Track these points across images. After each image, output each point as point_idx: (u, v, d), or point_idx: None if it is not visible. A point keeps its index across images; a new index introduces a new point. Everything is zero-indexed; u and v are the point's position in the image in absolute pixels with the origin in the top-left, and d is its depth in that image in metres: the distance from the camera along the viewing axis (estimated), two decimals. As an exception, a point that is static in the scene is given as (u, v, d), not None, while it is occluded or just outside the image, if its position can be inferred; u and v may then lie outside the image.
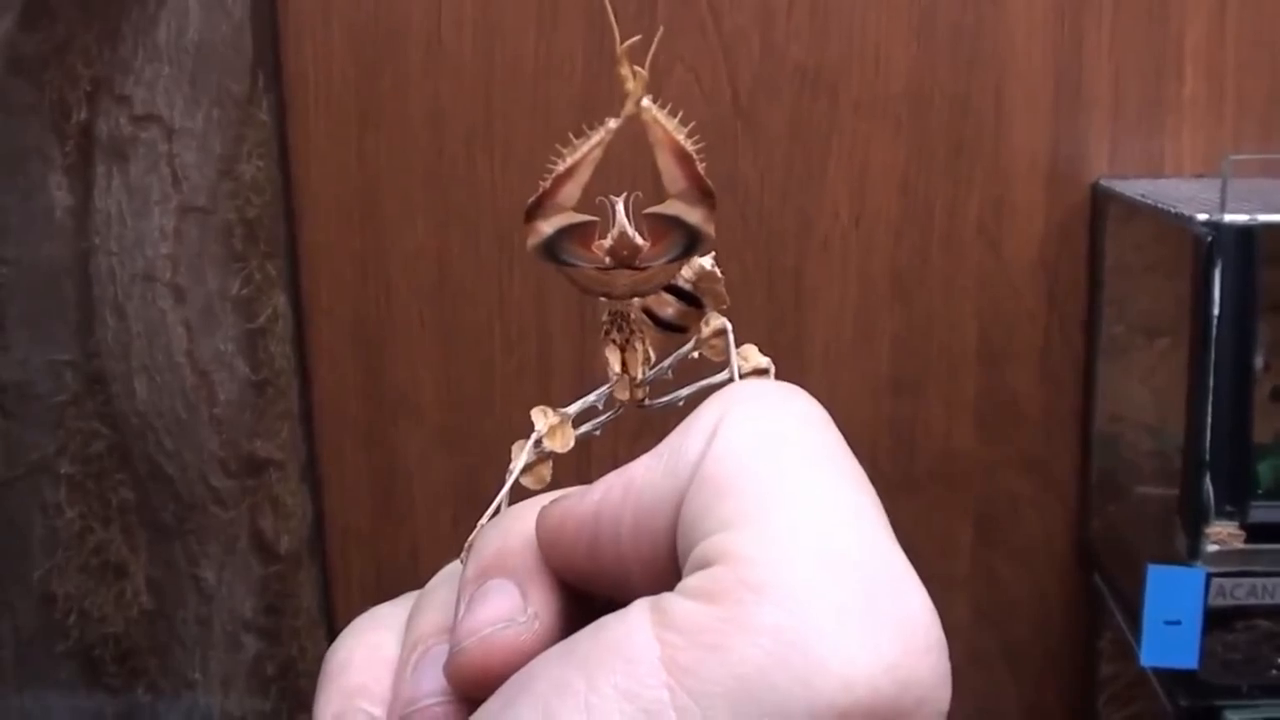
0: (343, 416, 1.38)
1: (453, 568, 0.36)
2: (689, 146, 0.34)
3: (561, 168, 0.34)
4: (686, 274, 0.38)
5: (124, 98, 1.29)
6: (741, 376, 0.38)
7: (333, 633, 1.39)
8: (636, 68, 0.34)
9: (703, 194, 0.34)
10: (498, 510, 0.36)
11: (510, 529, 0.34)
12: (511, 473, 0.38)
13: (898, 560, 0.29)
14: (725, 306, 0.39)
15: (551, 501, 0.34)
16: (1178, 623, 1.03)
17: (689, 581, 0.28)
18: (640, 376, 0.38)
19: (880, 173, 1.30)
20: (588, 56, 1.30)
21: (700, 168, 0.34)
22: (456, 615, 0.33)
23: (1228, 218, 1.01)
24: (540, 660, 0.30)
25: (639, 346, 0.38)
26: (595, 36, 1.30)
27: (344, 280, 1.35)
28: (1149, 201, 1.14)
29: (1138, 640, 1.05)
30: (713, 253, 0.37)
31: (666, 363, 0.39)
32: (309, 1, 1.30)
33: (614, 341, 0.38)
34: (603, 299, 0.37)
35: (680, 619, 0.28)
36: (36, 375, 1.34)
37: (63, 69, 1.29)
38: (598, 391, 0.39)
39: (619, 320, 0.38)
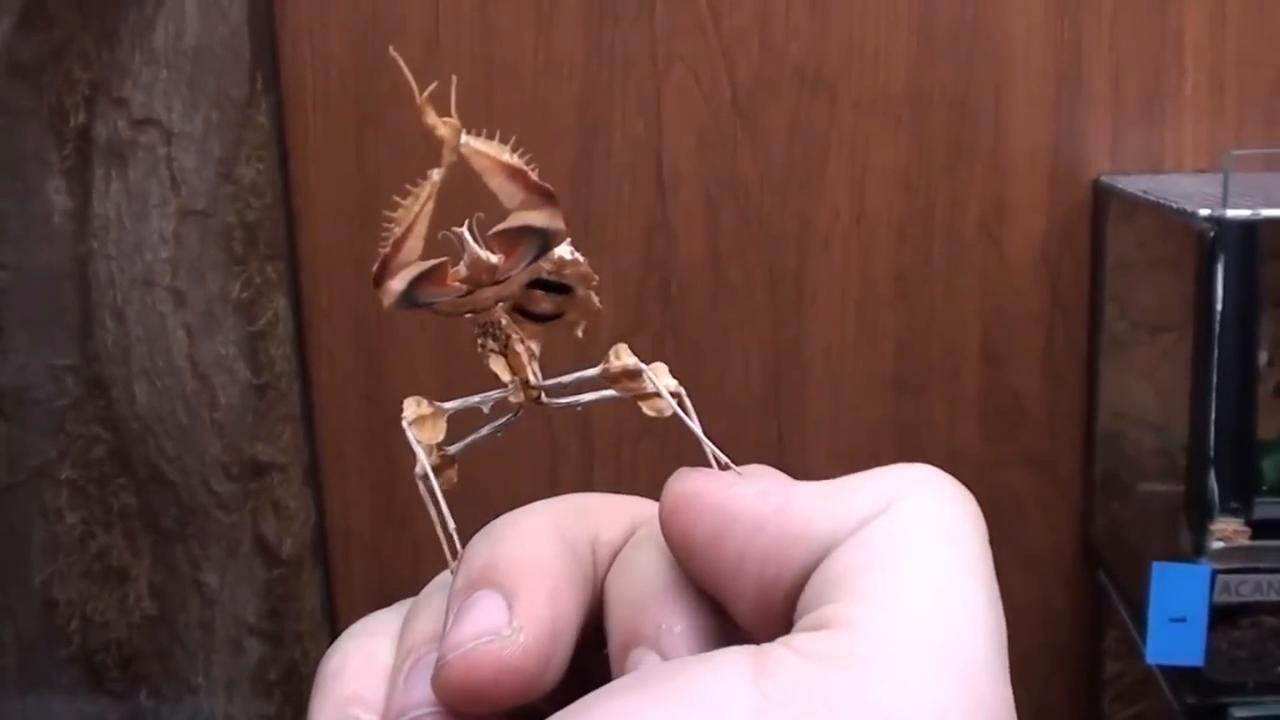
0: (344, 419, 1.38)
1: (445, 575, 0.35)
2: (515, 161, 0.34)
3: (398, 231, 0.33)
4: (548, 267, 0.38)
5: (122, 101, 1.29)
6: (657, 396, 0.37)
7: (336, 636, 1.38)
8: (445, 118, 0.34)
9: (543, 197, 0.34)
10: (436, 505, 0.36)
11: (500, 540, 0.34)
12: (416, 476, 0.37)
13: (1005, 689, 0.28)
14: (595, 283, 0.38)
15: (697, 469, 0.33)
16: (1183, 620, 1.03)
17: (804, 638, 0.28)
18: (531, 376, 0.37)
19: (881, 172, 1.30)
20: (586, 56, 1.30)
21: (534, 175, 0.34)
22: (445, 627, 0.32)
23: (1230, 213, 1.00)
24: (611, 688, 0.29)
25: (520, 349, 0.37)
26: (593, 34, 1.29)
27: (344, 282, 1.35)
28: (1151, 197, 1.14)
29: (1143, 638, 1.04)
30: (568, 239, 0.37)
31: (568, 379, 0.38)
32: (306, 3, 1.30)
33: (493, 351, 0.37)
34: (468, 315, 0.36)
35: (785, 674, 0.27)
36: (36, 380, 1.33)
37: (60, 72, 1.28)
38: (482, 395, 0.38)
39: (490, 329, 0.37)
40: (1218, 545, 1.03)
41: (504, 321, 0.37)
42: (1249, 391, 1.03)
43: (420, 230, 0.34)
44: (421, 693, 0.32)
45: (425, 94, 0.34)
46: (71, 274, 1.32)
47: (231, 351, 1.32)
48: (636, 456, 1.36)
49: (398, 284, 0.34)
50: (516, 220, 0.34)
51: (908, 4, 1.27)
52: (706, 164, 1.31)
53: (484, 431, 0.39)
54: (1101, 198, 1.28)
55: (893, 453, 1.34)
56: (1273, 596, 1.05)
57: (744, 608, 0.30)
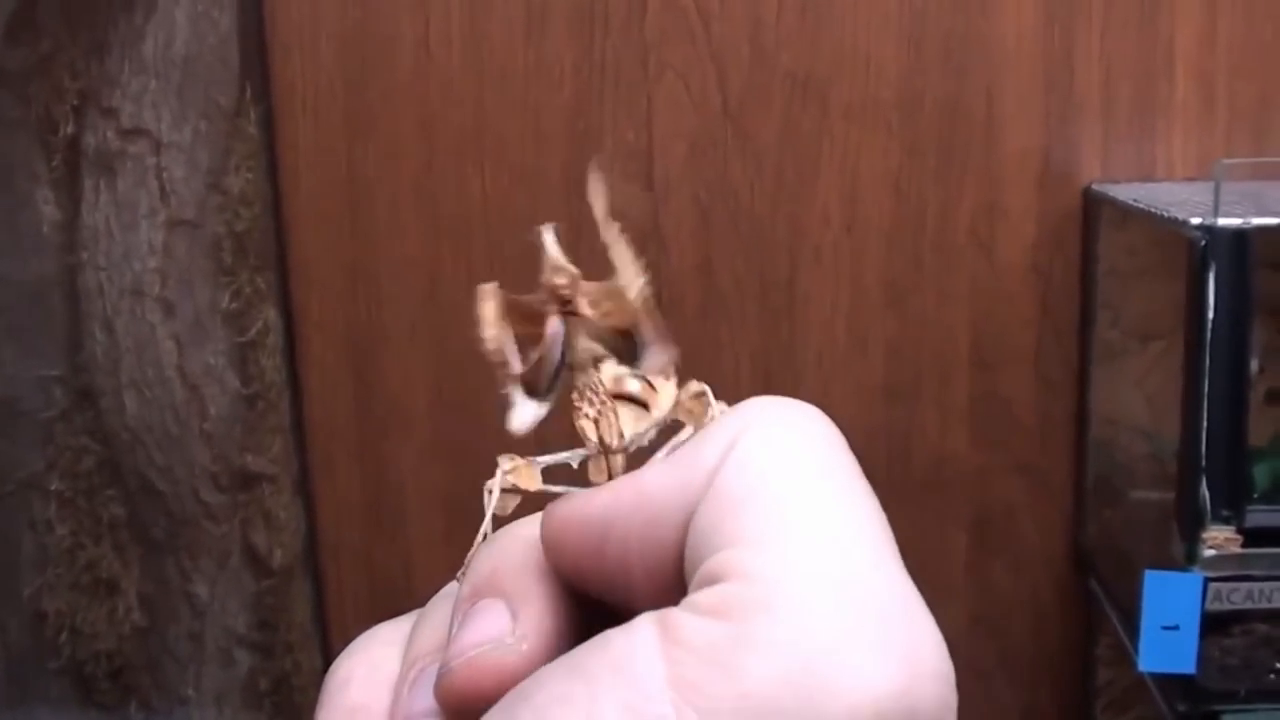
0: (334, 429, 1.37)
1: (451, 586, 0.35)
2: (646, 306, 0.35)
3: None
4: (683, 398, 0.38)
5: (111, 111, 1.28)
6: None
7: (326, 646, 1.39)
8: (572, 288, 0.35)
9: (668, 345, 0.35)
10: (484, 538, 0.36)
11: (505, 548, 0.34)
12: (489, 503, 0.37)
13: (908, 589, 0.28)
14: (676, 364, 0.39)
15: (557, 500, 0.33)
16: (1175, 628, 1.03)
17: (698, 597, 0.28)
18: (615, 444, 0.37)
19: (871, 179, 1.30)
20: (576, 64, 1.30)
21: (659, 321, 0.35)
22: (450, 635, 0.32)
23: (1221, 222, 1.00)
24: (543, 673, 0.29)
25: (612, 419, 0.37)
26: (584, 41, 1.29)
27: (334, 292, 1.34)
28: (1142, 206, 1.14)
29: (1135, 646, 1.04)
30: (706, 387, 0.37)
31: (646, 431, 0.38)
32: (296, 12, 1.30)
33: (586, 415, 0.37)
34: (573, 373, 0.37)
35: (688, 635, 0.27)
36: (25, 391, 1.33)
37: (49, 82, 1.28)
38: (572, 452, 0.38)
39: (588, 394, 0.37)
40: (1210, 553, 1.03)
41: (602, 391, 0.37)
42: (1240, 400, 1.03)
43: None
44: (425, 702, 0.32)
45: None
46: (60, 284, 1.31)
47: (221, 362, 1.32)
48: (629, 464, 1.35)
49: (518, 396, 0.35)
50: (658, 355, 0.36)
51: (899, 11, 1.27)
52: (697, 171, 1.31)
53: (556, 489, 0.38)
54: (1092, 206, 1.28)
55: (883, 460, 1.34)
56: (1264, 604, 1.05)
57: (641, 601, 0.30)
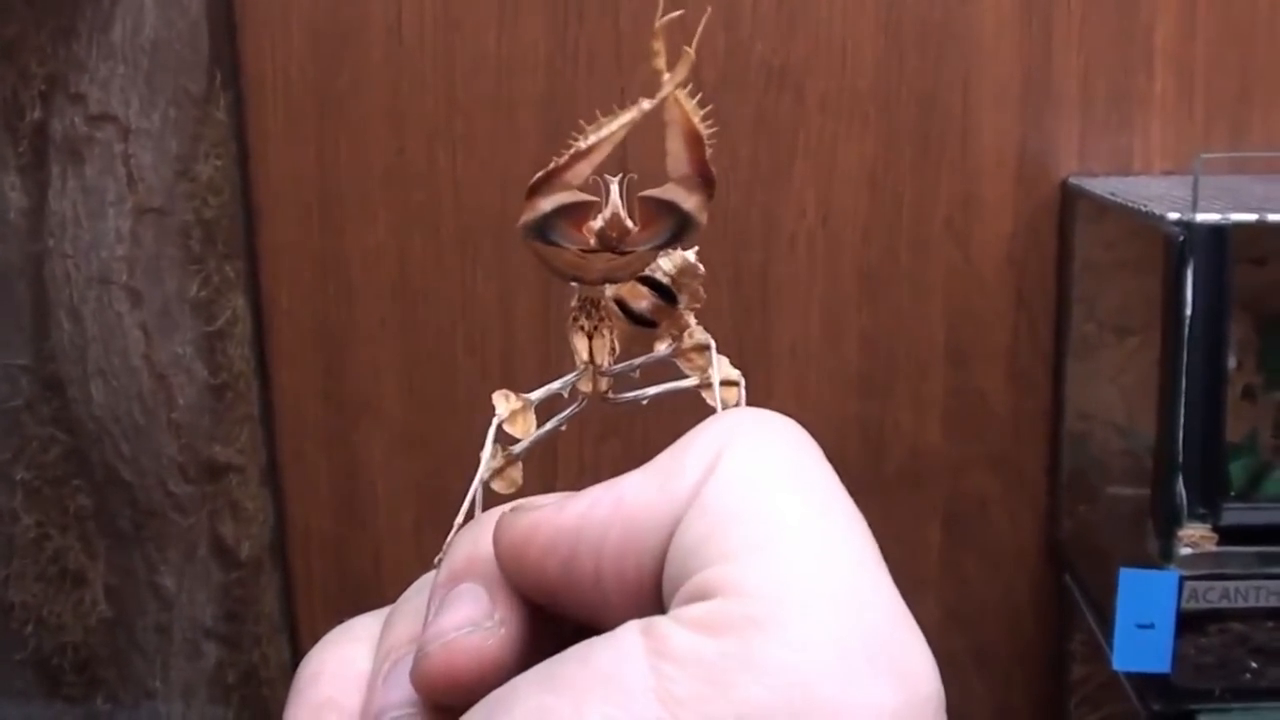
0: (304, 419, 1.36)
1: (427, 578, 0.35)
2: (704, 131, 0.33)
3: (583, 144, 0.33)
4: (666, 266, 0.38)
5: (79, 96, 1.27)
6: (718, 391, 0.38)
7: (295, 639, 1.38)
8: (685, 47, 0.32)
9: (704, 181, 0.33)
10: (470, 515, 0.35)
11: (483, 535, 0.33)
12: (480, 476, 0.36)
13: (900, 609, 0.28)
14: (700, 304, 0.38)
15: (511, 510, 0.33)
16: (1150, 626, 1.02)
17: (687, 611, 0.28)
18: (606, 366, 0.37)
19: (848, 170, 1.29)
20: (550, 52, 1.29)
21: (708, 154, 0.33)
22: (426, 620, 0.32)
23: (1199, 217, 1.00)
24: (519, 683, 0.29)
25: (606, 335, 0.37)
26: (558, 31, 1.28)
27: (304, 281, 1.33)
28: (1119, 200, 1.13)
29: (1110, 644, 1.04)
30: (695, 247, 0.36)
31: (637, 361, 0.38)
32: (266, -2, 1.29)
33: (582, 328, 0.37)
34: (573, 283, 0.36)
35: (678, 649, 0.27)
36: (-10, 380, 1.31)
37: (15, 67, 1.26)
38: (562, 380, 0.38)
39: (588, 307, 0.37)
40: (1185, 551, 1.03)
41: (604, 304, 0.37)
42: (1218, 397, 1.03)
43: (597, 157, 0.33)
44: (400, 693, 0.32)
45: (665, 19, 0.32)
46: (26, 272, 1.30)
47: (189, 351, 1.31)
48: (600, 457, 1.34)
49: (546, 204, 0.33)
50: (668, 194, 0.34)
51: (875, 2, 1.26)
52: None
53: (548, 427, 0.38)
54: (1069, 199, 1.27)
55: (857, 453, 1.34)
56: (1240, 603, 1.04)
57: (615, 613, 0.30)
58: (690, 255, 0.38)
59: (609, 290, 0.37)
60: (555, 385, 0.38)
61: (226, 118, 1.28)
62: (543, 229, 0.33)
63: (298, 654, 1.39)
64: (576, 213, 0.33)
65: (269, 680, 1.36)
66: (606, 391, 0.38)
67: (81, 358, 1.31)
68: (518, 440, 0.37)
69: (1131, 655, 1.03)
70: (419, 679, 0.31)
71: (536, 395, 0.37)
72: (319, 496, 1.38)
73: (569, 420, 0.38)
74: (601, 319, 0.37)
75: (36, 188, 1.28)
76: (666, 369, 0.39)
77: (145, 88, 1.27)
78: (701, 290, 0.38)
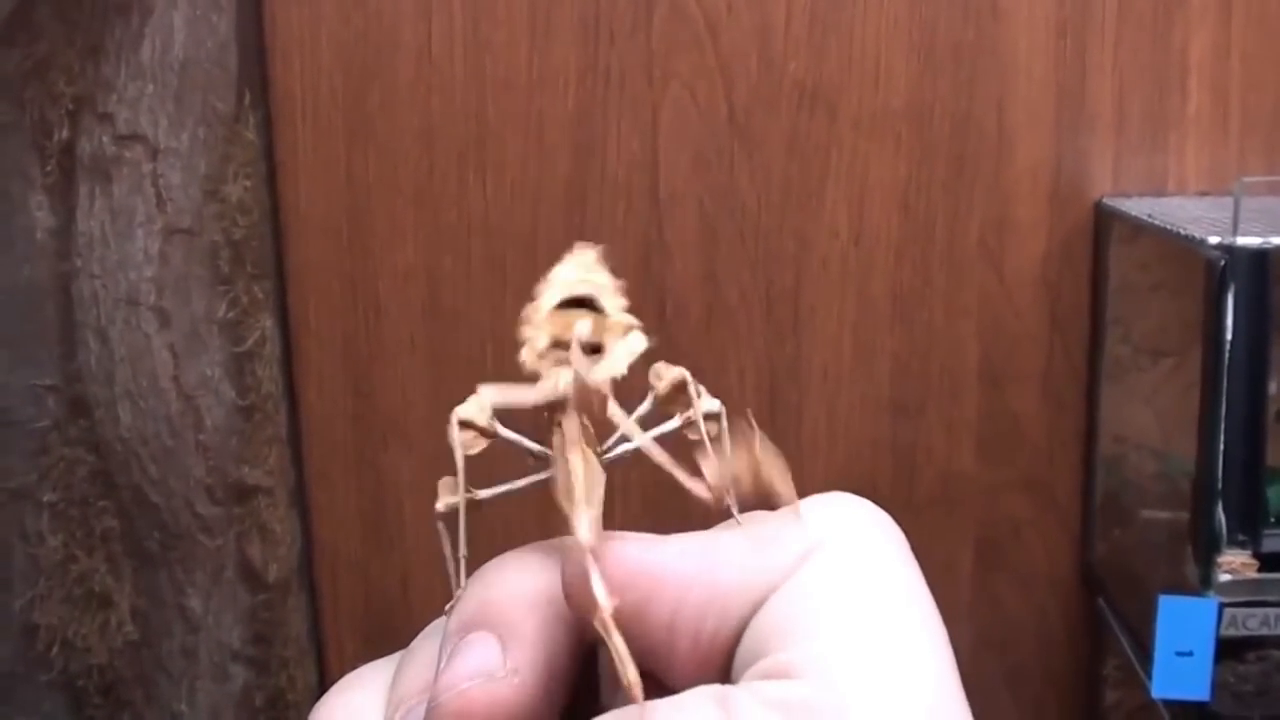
0: (332, 441, 1.36)
1: (438, 623, 0.35)
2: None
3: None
4: (660, 386, 0.37)
5: (107, 116, 1.26)
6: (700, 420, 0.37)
7: (322, 662, 1.38)
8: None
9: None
10: (454, 548, 0.36)
11: (494, 581, 0.33)
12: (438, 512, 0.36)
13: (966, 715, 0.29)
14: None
15: (598, 541, 0.33)
16: (1190, 654, 1.02)
17: (765, 687, 0.28)
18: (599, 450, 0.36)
19: (880, 191, 1.29)
20: (581, 71, 1.28)
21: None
22: (438, 669, 0.32)
23: (1240, 241, 0.99)
24: None
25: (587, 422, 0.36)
26: (589, 50, 1.27)
27: (333, 302, 1.33)
28: (1155, 222, 1.12)
29: (1148, 671, 1.03)
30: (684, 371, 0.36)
31: (626, 439, 0.37)
32: (296, 17, 1.28)
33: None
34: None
35: None
36: (17, 400, 1.31)
37: (44, 87, 1.26)
38: (525, 480, 0.38)
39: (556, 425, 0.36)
40: (1225, 578, 1.02)
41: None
42: (1258, 422, 1.02)
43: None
44: None
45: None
46: (54, 292, 1.29)
47: (217, 372, 1.30)
48: (628, 476, 1.34)
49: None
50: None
51: (909, 21, 1.26)
52: (703, 182, 1.29)
53: (521, 483, 0.38)
54: (1103, 220, 1.26)
55: (889, 475, 1.33)
56: (1280, 630, 1.03)
57: (678, 665, 0.30)
58: (684, 374, 0.37)
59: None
60: (516, 485, 0.37)
61: (256, 138, 1.27)
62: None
63: (325, 677, 1.39)
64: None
65: (296, 703, 1.36)
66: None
67: (109, 379, 1.30)
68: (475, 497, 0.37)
69: (1171, 683, 1.02)
70: None
71: (486, 494, 0.37)
72: (347, 518, 1.37)
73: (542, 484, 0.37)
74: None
75: (64, 208, 1.28)
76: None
77: (174, 107, 1.26)
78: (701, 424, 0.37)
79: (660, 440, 0.36)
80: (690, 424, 0.37)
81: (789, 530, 0.31)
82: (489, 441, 0.37)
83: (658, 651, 0.31)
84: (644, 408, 0.38)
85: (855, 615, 0.29)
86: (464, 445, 0.36)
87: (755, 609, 0.30)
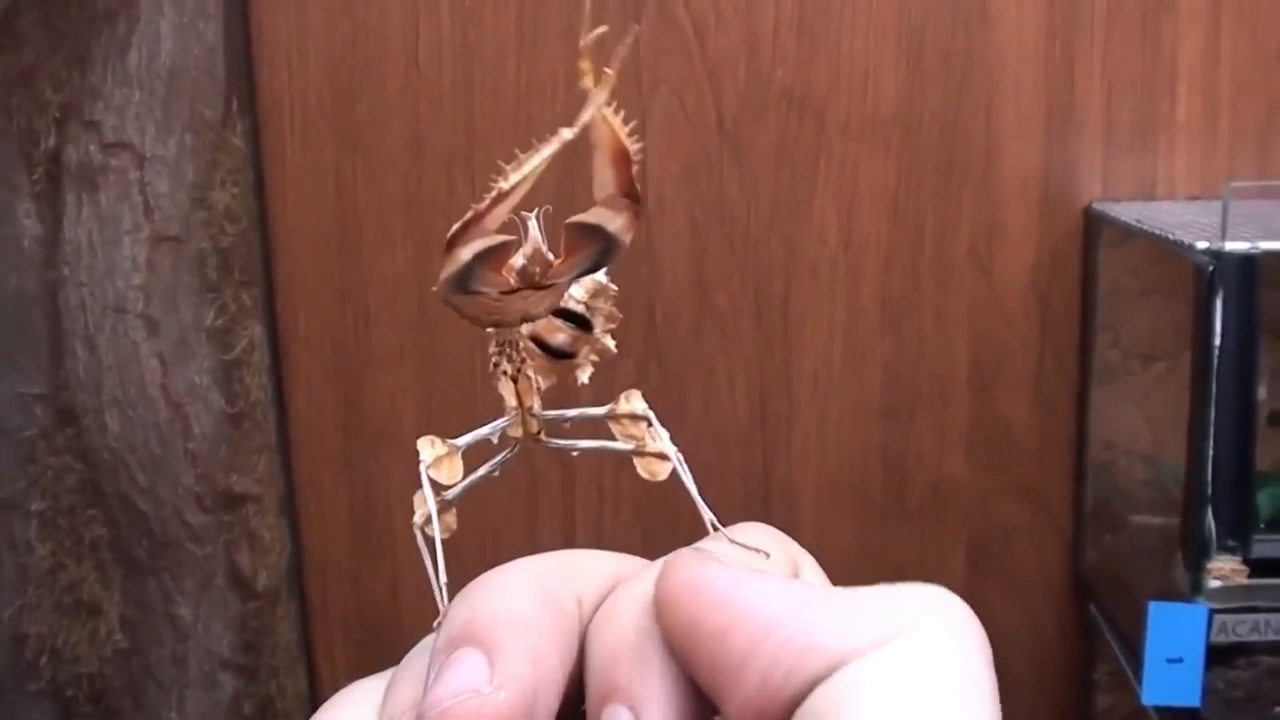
0: (321, 449, 1.35)
1: (428, 640, 0.34)
2: (632, 147, 0.32)
3: (505, 185, 0.31)
4: (578, 293, 0.37)
5: (94, 124, 1.26)
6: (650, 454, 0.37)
7: (312, 670, 1.37)
8: (605, 69, 0.31)
9: (631, 200, 0.32)
10: (437, 570, 0.35)
11: (482, 597, 0.33)
12: (416, 522, 0.37)
13: None
14: (615, 324, 0.37)
15: (695, 549, 0.33)
16: (1180, 660, 1.01)
17: None
18: (535, 408, 0.37)
19: (869, 197, 1.28)
20: (569, 78, 1.28)
21: (635, 171, 0.32)
22: (425, 686, 0.32)
23: (1229, 246, 0.99)
24: None
25: (530, 376, 0.36)
26: (577, 59, 1.27)
27: (321, 310, 1.33)
28: (1145, 227, 1.12)
29: (1138, 677, 1.03)
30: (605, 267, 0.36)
31: (570, 414, 0.38)
32: (284, 24, 1.28)
33: (505, 374, 0.36)
34: (490, 329, 0.35)
35: None
36: (5, 409, 1.30)
37: (30, 94, 1.26)
38: (491, 425, 0.37)
39: (508, 349, 0.36)
40: (1215, 584, 1.02)
41: (522, 345, 0.36)
42: (1247, 427, 1.02)
43: (518, 196, 0.31)
44: None
45: (592, 35, 0.31)
46: (41, 301, 1.29)
47: (205, 380, 1.30)
48: (619, 484, 1.34)
49: (466, 253, 0.32)
50: (594, 216, 0.32)
51: (897, 27, 1.26)
52: (692, 189, 1.29)
53: (481, 472, 0.38)
54: (1093, 225, 1.26)
55: (880, 481, 1.32)
56: (1270, 636, 1.03)
57: (738, 702, 0.30)
58: (601, 276, 0.37)
59: (524, 329, 0.36)
60: (484, 431, 0.37)
61: (243, 145, 1.27)
62: (465, 279, 0.32)
63: (315, 684, 1.38)
64: (497, 255, 0.32)
65: (285, 712, 1.35)
66: (539, 433, 0.37)
67: (97, 387, 1.30)
68: (448, 486, 0.37)
69: (1161, 689, 1.02)
70: None
71: (463, 440, 0.37)
72: (337, 526, 1.37)
73: (503, 466, 0.38)
74: (523, 360, 0.36)
75: (51, 216, 1.28)
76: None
77: (161, 115, 1.26)
78: (616, 311, 0.37)
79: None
80: (639, 455, 0.37)
81: (882, 605, 0.31)
82: (461, 470, 0.37)
83: (726, 684, 0.31)
84: (598, 412, 0.38)
85: (924, 708, 0.29)
86: (435, 486, 0.37)
87: (831, 671, 0.30)
